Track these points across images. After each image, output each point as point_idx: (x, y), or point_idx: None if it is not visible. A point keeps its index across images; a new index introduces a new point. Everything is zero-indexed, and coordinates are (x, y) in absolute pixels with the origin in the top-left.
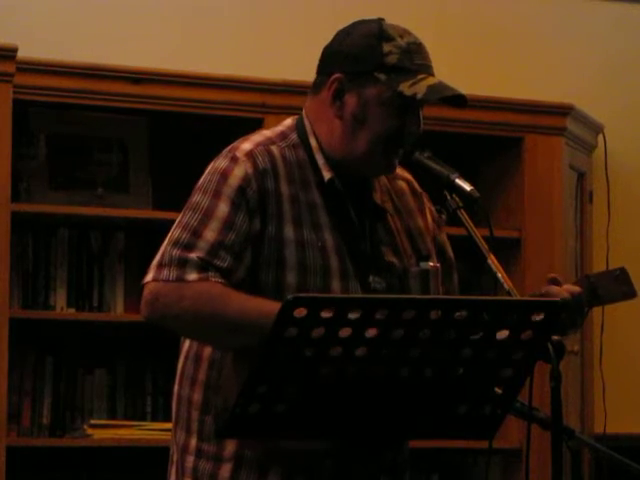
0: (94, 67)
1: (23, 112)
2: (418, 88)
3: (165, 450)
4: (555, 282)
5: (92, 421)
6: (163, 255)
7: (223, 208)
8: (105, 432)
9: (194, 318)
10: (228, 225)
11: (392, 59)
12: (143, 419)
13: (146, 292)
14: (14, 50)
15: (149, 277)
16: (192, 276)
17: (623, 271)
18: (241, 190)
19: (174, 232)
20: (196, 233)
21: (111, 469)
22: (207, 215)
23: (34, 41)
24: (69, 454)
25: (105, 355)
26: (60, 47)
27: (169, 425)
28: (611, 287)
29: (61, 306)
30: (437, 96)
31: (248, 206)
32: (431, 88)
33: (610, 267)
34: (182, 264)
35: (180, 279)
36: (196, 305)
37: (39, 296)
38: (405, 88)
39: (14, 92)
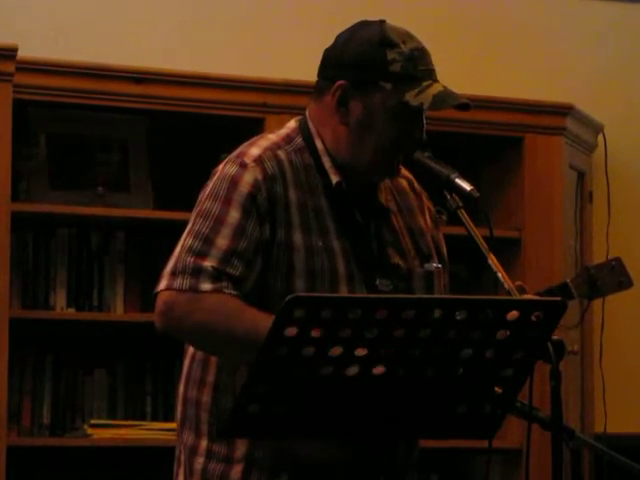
0: (94, 67)
1: (23, 112)
2: (424, 97)
3: (165, 450)
4: (523, 291)
5: (92, 421)
6: (176, 263)
7: (234, 215)
8: (105, 432)
9: (208, 333)
10: (240, 232)
11: (396, 67)
12: (143, 419)
13: (159, 302)
14: (14, 50)
15: (162, 285)
16: (206, 286)
17: (619, 261)
18: (251, 197)
19: (186, 240)
20: (208, 240)
21: (111, 469)
22: (219, 222)
23: (34, 41)
24: (69, 454)
25: (105, 355)
26: (60, 47)
27: (169, 425)
28: (608, 278)
29: (61, 306)
30: (443, 106)
31: (258, 212)
32: (436, 97)
33: None
34: (196, 273)
35: (194, 289)
36: (210, 319)
37: (39, 296)
38: (411, 98)
39: (14, 92)
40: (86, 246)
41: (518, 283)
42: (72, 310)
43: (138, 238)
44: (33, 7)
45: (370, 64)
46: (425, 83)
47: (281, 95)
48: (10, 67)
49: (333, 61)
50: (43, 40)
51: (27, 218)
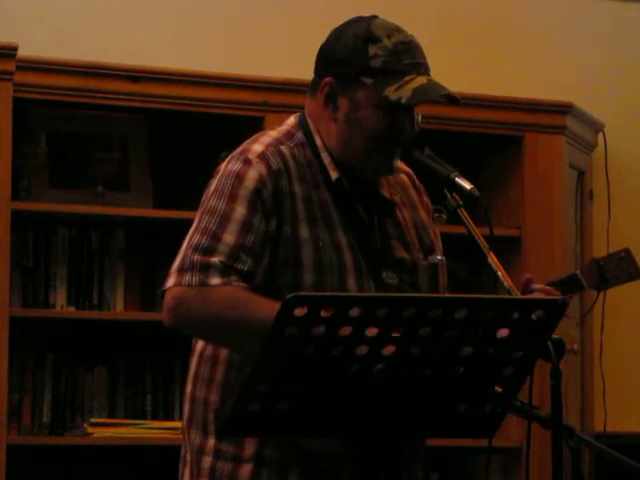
0: (94, 65)
1: (23, 110)
2: (403, 92)
3: (165, 448)
4: (530, 283)
5: (92, 419)
6: (184, 260)
7: (240, 210)
8: (105, 430)
9: (220, 323)
10: (247, 227)
11: (377, 62)
12: (143, 417)
13: (168, 298)
14: (14, 48)
15: (170, 282)
16: (215, 280)
17: (627, 252)
18: (257, 192)
19: (193, 237)
20: (216, 237)
21: (111, 467)
22: (225, 218)
23: (34, 39)
24: (69, 452)
25: (105, 353)
26: (60, 45)
27: (169, 423)
28: (617, 269)
29: (61, 304)
30: (422, 98)
31: (264, 207)
32: (416, 91)
33: None
34: (204, 269)
35: (203, 284)
36: (222, 310)
37: (39, 294)
38: (390, 93)
39: (14, 90)
40: (86, 244)
41: (528, 276)
42: (72, 308)
43: (138, 237)
44: (33, 6)
45: (353, 60)
46: (408, 77)
47: (281, 94)
48: (10, 66)
49: (323, 57)
50: (43, 39)
51: (27, 216)
